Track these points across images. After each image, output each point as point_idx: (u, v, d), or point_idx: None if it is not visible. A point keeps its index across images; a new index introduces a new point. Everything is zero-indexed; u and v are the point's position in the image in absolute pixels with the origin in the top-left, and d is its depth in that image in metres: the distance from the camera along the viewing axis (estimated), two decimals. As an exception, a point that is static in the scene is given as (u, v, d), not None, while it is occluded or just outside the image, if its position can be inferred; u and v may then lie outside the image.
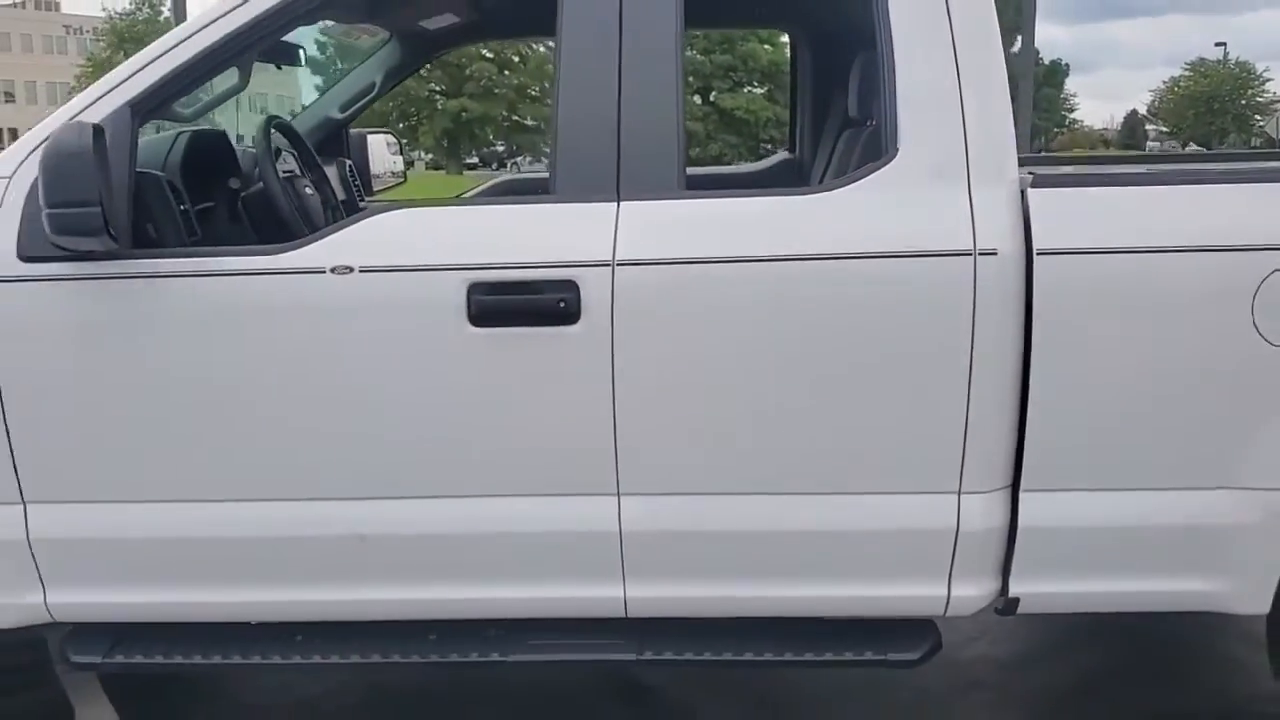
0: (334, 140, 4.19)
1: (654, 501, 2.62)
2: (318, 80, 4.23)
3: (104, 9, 58.70)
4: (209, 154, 3.16)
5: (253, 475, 2.64)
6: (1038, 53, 49.15)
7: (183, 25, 2.84)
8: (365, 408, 2.59)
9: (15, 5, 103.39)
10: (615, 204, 2.55)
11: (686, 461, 2.60)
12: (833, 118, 3.82)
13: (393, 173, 4.84)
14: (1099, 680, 3.52)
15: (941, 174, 2.53)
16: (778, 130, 45.48)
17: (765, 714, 3.29)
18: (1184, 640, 3.77)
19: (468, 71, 39.85)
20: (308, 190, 3.28)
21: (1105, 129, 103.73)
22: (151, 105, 2.66)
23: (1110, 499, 2.60)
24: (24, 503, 2.65)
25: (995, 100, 2.57)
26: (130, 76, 2.63)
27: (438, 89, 40.30)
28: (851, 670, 3.12)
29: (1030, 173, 2.60)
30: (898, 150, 2.55)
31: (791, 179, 4.33)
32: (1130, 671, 3.59)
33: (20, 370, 2.59)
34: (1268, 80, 70.33)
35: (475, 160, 35.71)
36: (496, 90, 33.85)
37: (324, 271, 2.54)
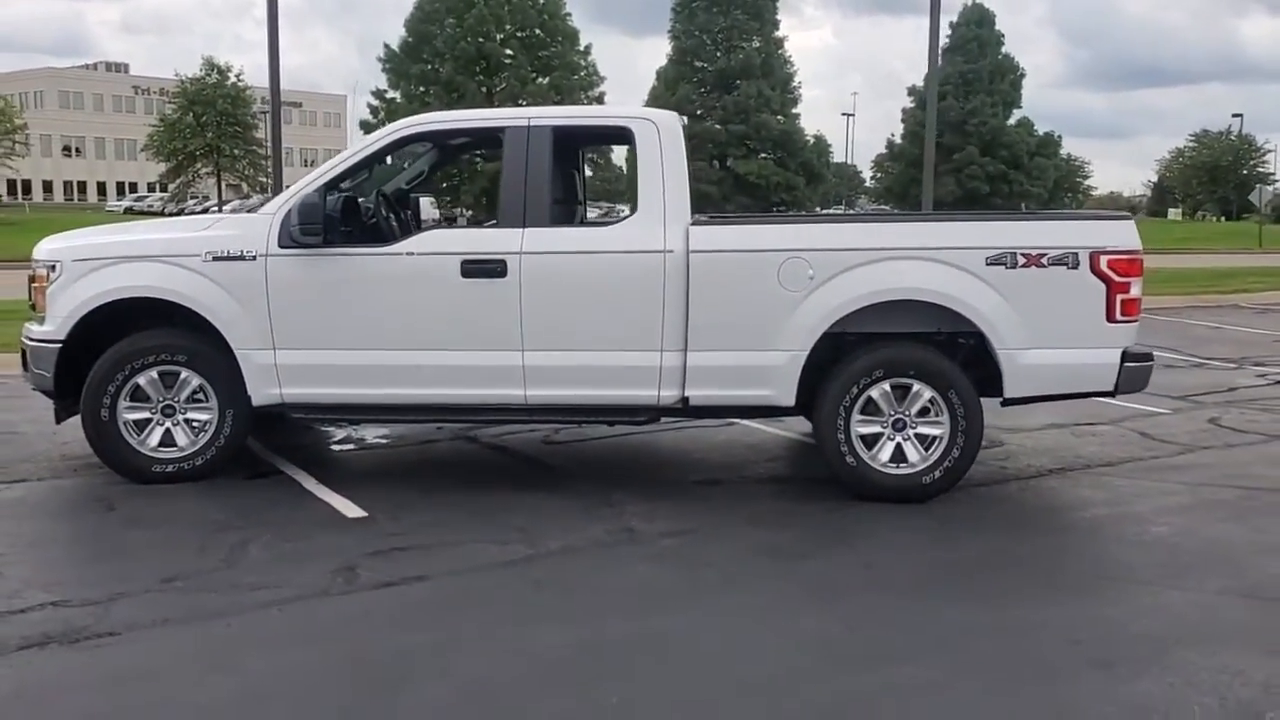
0: (403, 200, 7.90)
1: (537, 353, 6.26)
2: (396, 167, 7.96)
3: (175, 73, 63.66)
4: (350, 204, 6.83)
5: (375, 338, 6.29)
6: (1031, 125, 52.96)
7: (343, 154, 6.58)
8: (420, 310, 6.27)
9: (87, 67, 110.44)
10: (523, 229, 6.24)
11: (551, 334, 6.24)
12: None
13: (433, 218, 8.57)
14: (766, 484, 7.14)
15: (653, 219, 6.21)
16: (787, 194, 49.48)
17: (613, 474, 6.88)
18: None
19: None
20: (393, 220, 7.02)
21: (1141, 196, 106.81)
22: (332, 186, 6.40)
23: (729, 354, 6.20)
24: (275, 348, 6.34)
25: (679, 193, 6.25)
26: (324, 173, 6.40)
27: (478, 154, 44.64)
28: (661, 457, 6.82)
29: (696, 218, 6.26)
30: (638, 210, 6.25)
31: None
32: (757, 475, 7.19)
33: (277, 291, 6.29)
34: (1269, 152, 73.92)
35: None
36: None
37: (403, 254, 6.26)
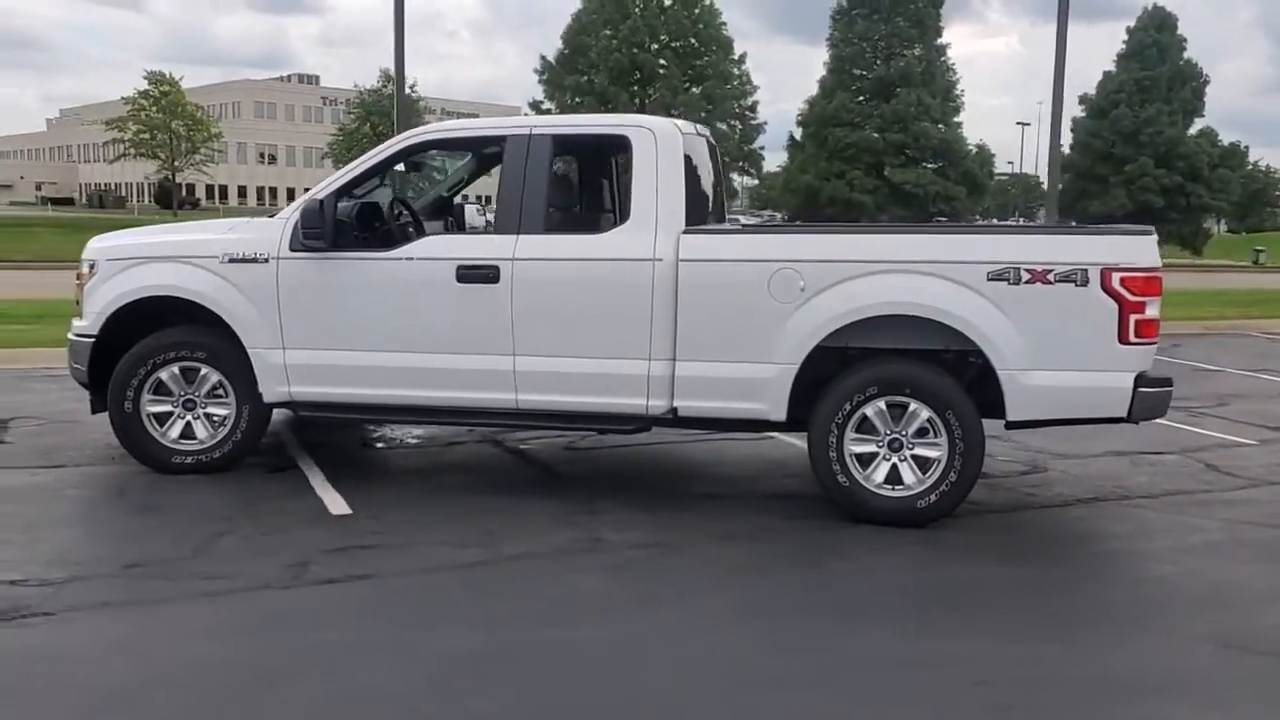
0: (446, 207, 8.04)
1: (528, 359, 6.28)
2: (442, 175, 8.14)
3: (354, 84, 66.61)
4: (368, 210, 7.00)
5: (375, 340, 6.44)
6: (1214, 134, 49.97)
7: (354, 162, 6.76)
8: (417, 313, 6.38)
9: (282, 79, 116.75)
10: (517, 235, 6.28)
11: (541, 340, 6.25)
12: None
13: (480, 225, 8.71)
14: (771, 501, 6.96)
15: (645, 228, 6.14)
16: (947, 204, 48.07)
17: (613, 483, 6.84)
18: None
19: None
20: (409, 228, 7.15)
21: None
22: (344, 192, 6.58)
23: (719, 365, 6.09)
24: (284, 348, 6.55)
25: (673, 201, 6.15)
26: (333, 181, 6.58)
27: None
28: (674, 468, 6.75)
29: (688, 229, 6.16)
30: (629, 218, 6.20)
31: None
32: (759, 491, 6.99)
33: (286, 293, 6.50)
34: None
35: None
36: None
37: (403, 259, 6.38)
